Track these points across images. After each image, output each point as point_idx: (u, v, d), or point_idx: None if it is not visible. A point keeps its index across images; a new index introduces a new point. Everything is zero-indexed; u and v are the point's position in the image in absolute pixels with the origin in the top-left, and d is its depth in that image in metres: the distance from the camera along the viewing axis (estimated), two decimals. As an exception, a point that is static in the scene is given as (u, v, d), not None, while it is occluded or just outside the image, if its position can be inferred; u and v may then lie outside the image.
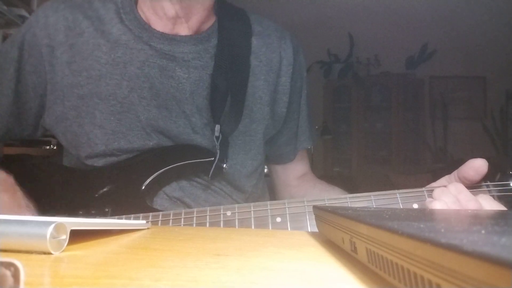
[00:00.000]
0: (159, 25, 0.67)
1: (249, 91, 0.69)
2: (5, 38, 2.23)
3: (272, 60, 0.72)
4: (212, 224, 0.53)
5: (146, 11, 0.67)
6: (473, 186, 0.51)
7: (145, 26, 0.66)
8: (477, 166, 0.49)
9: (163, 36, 0.66)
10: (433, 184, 0.54)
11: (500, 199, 0.50)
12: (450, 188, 0.49)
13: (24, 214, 0.52)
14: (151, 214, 0.56)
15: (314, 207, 0.38)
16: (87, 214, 0.60)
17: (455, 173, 0.52)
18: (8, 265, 0.16)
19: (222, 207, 0.54)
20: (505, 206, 0.49)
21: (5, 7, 2.15)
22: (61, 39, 0.65)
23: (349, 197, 0.53)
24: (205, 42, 0.68)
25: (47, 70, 0.65)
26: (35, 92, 0.66)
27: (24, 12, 2.29)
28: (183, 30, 0.68)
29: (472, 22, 3.73)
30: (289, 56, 0.74)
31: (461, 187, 0.49)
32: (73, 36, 0.65)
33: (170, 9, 0.65)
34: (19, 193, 0.56)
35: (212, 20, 0.71)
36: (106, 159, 0.64)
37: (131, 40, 0.65)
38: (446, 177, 0.54)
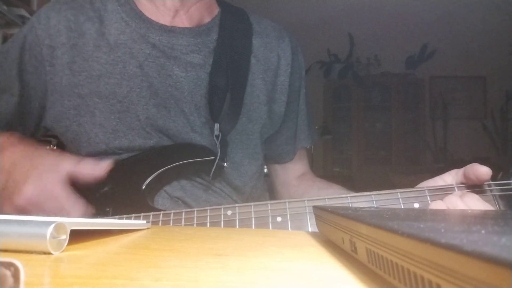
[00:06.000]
0: (158, 18, 0.68)
1: (248, 90, 0.69)
2: (5, 38, 2.23)
3: (270, 60, 0.73)
4: (213, 223, 0.53)
5: (144, 5, 0.68)
6: (475, 186, 0.50)
7: (143, 18, 0.67)
8: (479, 173, 0.49)
9: (162, 28, 0.67)
10: (436, 180, 0.53)
11: (501, 198, 0.49)
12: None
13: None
14: (151, 214, 0.56)
15: (314, 207, 0.38)
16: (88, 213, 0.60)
17: (462, 170, 0.51)
18: (8, 265, 0.16)
19: (222, 206, 0.54)
20: (507, 205, 0.48)
21: (5, 7, 2.15)
22: (63, 39, 0.65)
23: (350, 197, 0.53)
24: (204, 36, 0.68)
25: (47, 70, 0.66)
26: (36, 93, 0.67)
27: (24, 12, 2.29)
28: (182, 22, 0.68)
29: (472, 22, 3.73)
30: (287, 55, 0.74)
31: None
32: (75, 37, 0.66)
33: (169, 2, 0.67)
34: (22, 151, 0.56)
35: (213, 15, 0.72)
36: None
37: (130, 39, 0.66)
38: (453, 172, 0.53)
